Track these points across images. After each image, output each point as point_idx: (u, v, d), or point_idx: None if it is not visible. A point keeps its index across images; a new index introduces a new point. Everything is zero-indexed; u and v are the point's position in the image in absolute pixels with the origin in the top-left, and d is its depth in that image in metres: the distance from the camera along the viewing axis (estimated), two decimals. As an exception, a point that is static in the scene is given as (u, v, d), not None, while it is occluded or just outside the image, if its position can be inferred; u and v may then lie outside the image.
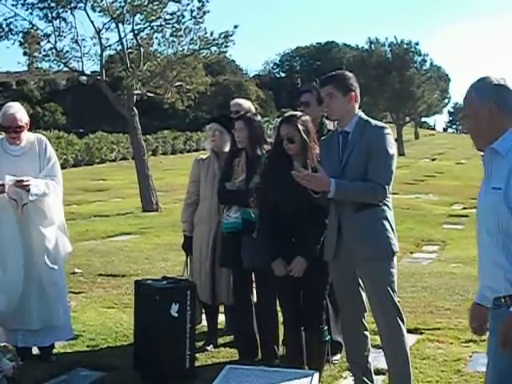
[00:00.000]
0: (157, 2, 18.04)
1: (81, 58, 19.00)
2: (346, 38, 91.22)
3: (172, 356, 4.72)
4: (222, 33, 18.75)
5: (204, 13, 18.55)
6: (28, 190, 4.94)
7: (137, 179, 18.76)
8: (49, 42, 19.00)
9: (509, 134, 2.82)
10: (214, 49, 19.25)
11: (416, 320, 6.18)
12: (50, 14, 18.82)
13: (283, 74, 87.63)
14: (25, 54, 20.01)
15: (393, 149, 4.09)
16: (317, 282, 4.45)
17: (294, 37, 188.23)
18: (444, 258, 11.18)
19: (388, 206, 4.13)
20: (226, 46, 19.10)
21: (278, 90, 70.21)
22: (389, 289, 4.03)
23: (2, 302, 4.99)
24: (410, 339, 5.03)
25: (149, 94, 19.72)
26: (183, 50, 19.15)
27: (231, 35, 18.75)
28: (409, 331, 4.71)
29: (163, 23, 18.67)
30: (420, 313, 6.50)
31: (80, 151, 34.56)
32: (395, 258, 4.17)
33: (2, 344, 4.72)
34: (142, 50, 18.61)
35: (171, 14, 18.56)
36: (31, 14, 18.89)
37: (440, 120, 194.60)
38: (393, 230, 4.13)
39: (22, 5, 18.81)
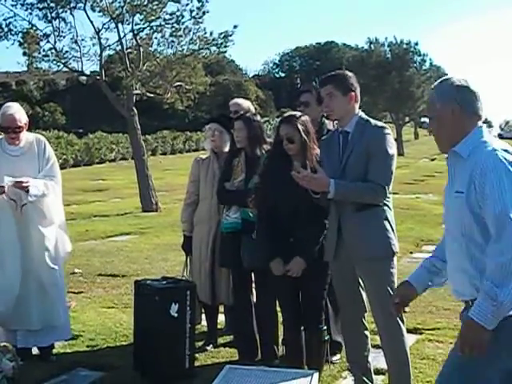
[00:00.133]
0: (156, 2, 18.03)
1: (80, 58, 18.99)
2: (345, 38, 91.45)
3: (172, 356, 4.72)
4: (221, 33, 18.75)
5: (203, 13, 18.54)
6: (27, 191, 4.94)
7: (136, 179, 18.75)
8: (48, 42, 18.99)
9: (471, 136, 2.78)
10: (213, 49, 19.24)
11: (416, 320, 6.18)
12: (49, 14, 18.81)
13: (283, 74, 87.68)
14: (24, 54, 19.98)
15: (393, 149, 4.09)
16: (316, 282, 4.45)
17: (294, 37, 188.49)
18: (444, 258, 11.15)
19: (388, 206, 4.13)
20: (225, 46, 19.09)
21: (277, 90, 70.21)
22: (389, 289, 4.03)
23: None
24: (410, 339, 5.03)
25: (148, 94, 19.71)
26: (183, 49, 19.14)
27: (231, 35, 18.74)
28: (408, 331, 4.70)
29: (163, 23, 18.66)
30: (420, 313, 6.50)
31: (79, 151, 34.55)
32: (395, 258, 4.17)
33: (1, 344, 4.73)
34: (141, 50, 18.60)
35: (171, 14, 18.55)
36: (31, 14, 18.88)
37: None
38: (393, 230, 4.13)
39: (22, 5, 18.80)
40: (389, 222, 4.11)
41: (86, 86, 41.61)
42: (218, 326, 5.76)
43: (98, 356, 5.32)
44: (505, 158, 2.65)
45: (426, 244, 12.75)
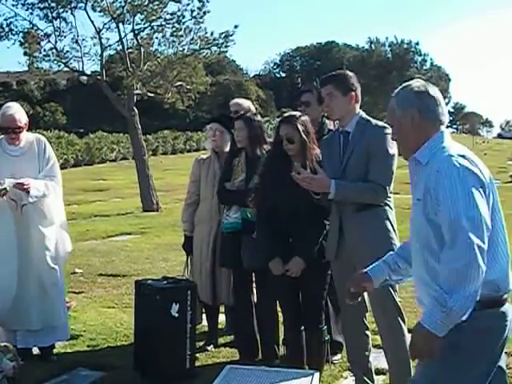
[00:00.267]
0: (157, 2, 18.03)
1: (81, 57, 19.01)
2: (346, 38, 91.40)
3: (172, 356, 4.72)
4: (222, 33, 18.76)
5: (204, 13, 18.55)
6: (28, 192, 4.94)
7: (137, 179, 18.75)
8: (49, 41, 19.00)
9: (430, 142, 2.74)
10: (214, 49, 19.24)
11: (417, 320, 6.16)
12: (50, 14, 18.82)
13: (283, 74, 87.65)
14: (25, 54, 19.99)
15: (393, 149, 4.08)
16: (316, 282, 4.45)
17: (295, 37, 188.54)
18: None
19: (389, 206, 4.13)
20: (226, 46, 19.09)
21: (278, 90, 70.20)
22: (390, 289, 4.02)
23: None
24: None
25: (149, 94, 19.71)
26: (183, 49, 19.15)
27: (231, 35, 18.75)
28: (410, 331, 4.69)
29: (163, 23, 18.66)
30: (421, 313, 6.48)
31: (80, 151, 34.55)
32: (396, 258, 4.16)
33: (2, 344, 4.72)
34: (142, 49, 18.61)
35: (171, 14, 18.56)
36: (31, 13, 18.90)
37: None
38: (394, 230, 4.13)
39: (23, 5, 18.82)
40: (390, 222, 4.11)
41: (86, 85, 41.60)
42: (219, 326, 5.75)
43: (99, 356, 5.32)
44: (460, 164, 2.59)
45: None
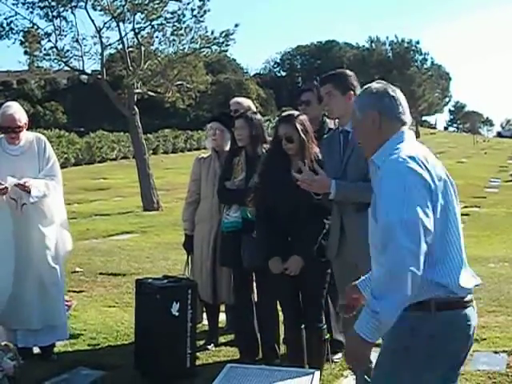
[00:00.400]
0: (157, 1, 18.05)
1: (81, 56, 19.04)
2: (346, 37, 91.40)
3: (173, 355, 4.72)
4: (222, 31, 18.78)
5: (205, 11, 18.57)
6: (29, 192, 4.94)
7: (137, 178, 18.77)
8: (49, 41, 19.03)
9: (388, 143, 2.69)
10: (214, 47, 19.27)
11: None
12: (50, 13, 18.84)
13: (284, 73, 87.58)
14: (25, 53, 20.04)
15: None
16: (315, 280, 4.45)
17: (295, 35, 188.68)
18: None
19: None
20: (226, 45, 19.12)
21: (278, 89, 70.15)
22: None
23: None
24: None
25: (149, 93, 19.73)
26: (184, 48, 19.17)
27: (232, 34, 18.77)
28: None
29: (164, 22, 18.69)
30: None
31: (81, 150, 34.54)
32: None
33: (3, 343, 4.72)
34: (142, 48, 18.62)
35: (172, 13, 18.59)
36: (32, 12, 18.93)
37: (441, 118, 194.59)
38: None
39: (23, 4, 18.85)
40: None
41: (87, 84, 41.63)
42: (219, 325, 5.75)
43: (99, 355, 5.31)
44: (403, 166, 2.53)
45: (427, 243, 12.75)
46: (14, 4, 18.84)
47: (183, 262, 5.73)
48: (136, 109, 18.53)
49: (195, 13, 18.51)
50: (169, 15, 18.60)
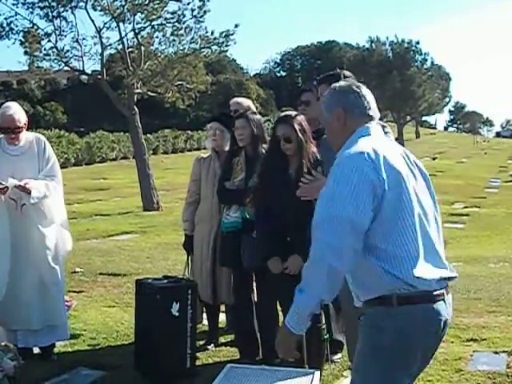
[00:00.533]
0: (157, 1, 18.06)
1: (81, 57, 19.05)
2: (346, 37, 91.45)
3: (173, 355, 4.72)
4: (222, 32, 18.79)
5: (205, 12, 18.58)
6: (29, 194, 4.94)
7: (137, 178, 18.78)
8: (49, 41, 19.03)
9: (350, 139, 2.69)
10: (214, 48, 19.29)
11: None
12: (50, 13, 18.85)
13: (284, 73, 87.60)
14: (25, 53, 20.03)
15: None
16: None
17: (295, 36, 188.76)
18: (445, 257, 11.15)
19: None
20: (226, 45, 19.13)
21: (278, 89, 70.16)
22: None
23: None
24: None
25: (149, 93, 19.73)
26: (184, 49, 19.18)
27: (232, 34, 18.78)
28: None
29: (164, 22, 18.70)
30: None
31: (81, 150, 34.56)
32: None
33: (3, 343, 4.72)
34: (142, 49, 18.63)
35: (172, 13, 18.60)
36: (32, 13, 18.94)
37: (441, 119, 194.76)
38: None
39: (23, 4, 18.85)
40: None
41: (87, 85, 41.61)
42: (219, 325, 5.75)
43: (99, 355, 5.31)
44: (348, 163, 2.54)
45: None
46: (14, 4, 18.86)
47: (183, 262, 5.73)
48: (136, 109, 18.53)
49: (195, 13, 18.54)
50: (169, 15, 18.62)
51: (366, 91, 2.80)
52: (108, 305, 6.90)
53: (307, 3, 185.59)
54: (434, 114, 76.00)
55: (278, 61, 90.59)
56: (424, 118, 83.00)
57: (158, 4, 18.12)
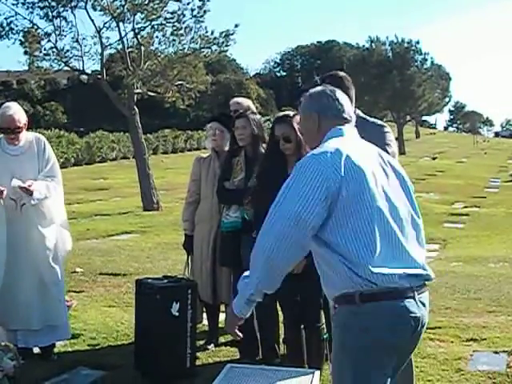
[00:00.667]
0: (157, 1, 18.06)
1: (81, 57, 19.03)
2: (346, 37, 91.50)
3: (173, 355, 4.72)
4: (222, 32, 18.78)
5: (205, 12, 18.57)
6: (31, 195, 4.94)
7: (137, 178, 18.78)
8: (49, 41, 19.02)
9: (322, 141, 2.75)
10: (214, 48, 19.27)
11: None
12: (50, 13, 18.84)
13: (284, 73, 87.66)
14: (25, 53, 20.00)
15: (393, 147, 4.07)
16: (315, 280, 4.43)
17: (295, 36, 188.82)
18: (445, 257, 11.17)
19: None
20: (226, 45, 19.12)
21: (278, 89, 70.21)
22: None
23: None
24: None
25: (149, 93, 19.73)
26: (184, 48, 19.17)
27: (232, 34, 18.77)
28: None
29: (164, 22, 18.69)
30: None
31: (81, 150, 34.56)
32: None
33: (3, 343, 4.72)
34: (142, 48, 18.63)
35: (172, 13, 18.59)
36: (32, 13, 18.92)
37: (441, 118, 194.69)
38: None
39: (23, 4, 18.84)
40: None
41: (87, 84, 41.54)
42: (219, 325, 5.75)
43: (99, 355, 5.31)
44: (307, 162, 2.63)
45: (427, 243, 12.75)
46: (13, 4, 18.85)
47: (183, 262, 5.73)
48: (136, 109, 18.53)
49: (195, 13, 18.52)
50: (169, 15, 18.61)
51: (340, 95, 2.87)
52: (108, 305, 6.90)
53: (307, 3, 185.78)
54: (433, 114, 76.05)
55: (278, 61, 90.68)
56: (424, 118, 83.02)
57: (158, 4, 18.12)
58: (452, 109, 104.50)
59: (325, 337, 4.55)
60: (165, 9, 18.43)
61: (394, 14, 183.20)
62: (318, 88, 2.94)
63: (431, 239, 13.01)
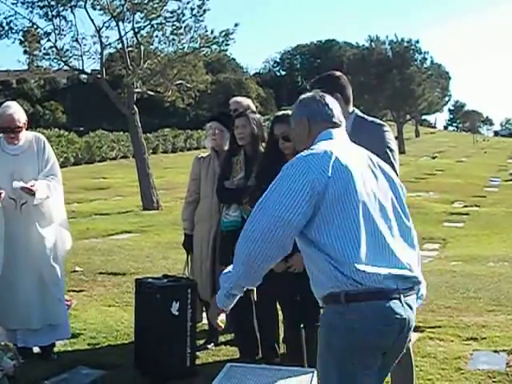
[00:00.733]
0: (157, 0, 18.06)
1: (81, 56, 19.03)
2: (346, 36, 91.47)
3: (173, 354, 4.72)
4: (222, 31, 18.78)
5: (204, 11, 18.56)
6: (33, 195, 4.94)
7: (137, 177, 18.77)
8: (49, 40, 19.02)
9: (313, 144, 2.80)
10: (214, 47, 19.27)
11: (417, 318, 6.10)
12: (50, 13, 18.83)
13: (284, 72, 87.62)
14: (25, 52, 20.05)
15: (393, 146, 4.07)
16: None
17: (295, 35, 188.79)
18: (445, 256, 11.17)
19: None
20: (226, 44, 19.11)
21: (278, 88, 70.17)
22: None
23: None
24: (411, 337, 5.02)
25: (149, 93, 19.72)
26: (183, 48, 19.17)
27: (232, 33, 18.77)
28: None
29: (163, 21, 18.69)
30: (421, 311, 6.49)
31: (80, 150, 34.56)
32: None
33: (2, 343, 4.72)
34: (142, 48, 18.62)
35: (171, 12, 18.58)
36: (31, 12, 18.92)
37: (440, 118, 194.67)
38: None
39: (22, 3, 18.83)
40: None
41: (86, 84, 41.66)
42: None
43: (99, 354, 5.31)
44: (294, 163, 2.69)
45: (427, 242, 12.75)
46: (13, 3, 18.84)
47: (183, 261, 5.73)
48: (135, 108, 18.52)
49: (195, 12, 18.52)
50: (168, 14, 18.61)
51: (329, 100, 2.94)
52: (108, 304, 6.90)
53: (307, 2, 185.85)
54: (433, 113, 75.98)
55: (278, 60, 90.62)
56: (424, 117, 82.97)
57: (158, 3, 18.11)
58: (452, 108, 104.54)
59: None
60: (164, 8, 18.43)
61: (394, 15, 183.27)
62: (309, 94, 3.01)
63: (431, 238, 13.02)
